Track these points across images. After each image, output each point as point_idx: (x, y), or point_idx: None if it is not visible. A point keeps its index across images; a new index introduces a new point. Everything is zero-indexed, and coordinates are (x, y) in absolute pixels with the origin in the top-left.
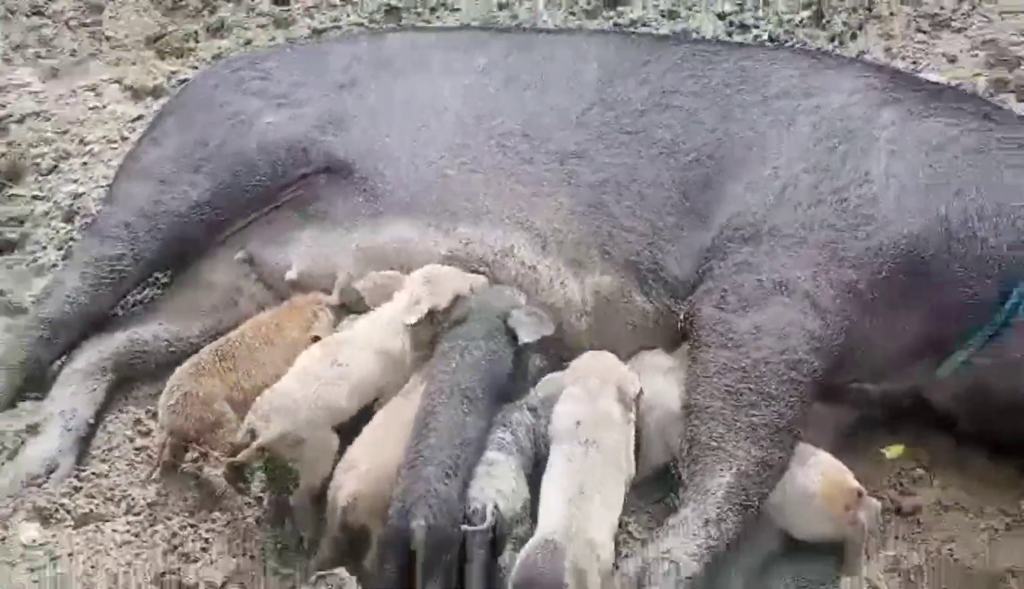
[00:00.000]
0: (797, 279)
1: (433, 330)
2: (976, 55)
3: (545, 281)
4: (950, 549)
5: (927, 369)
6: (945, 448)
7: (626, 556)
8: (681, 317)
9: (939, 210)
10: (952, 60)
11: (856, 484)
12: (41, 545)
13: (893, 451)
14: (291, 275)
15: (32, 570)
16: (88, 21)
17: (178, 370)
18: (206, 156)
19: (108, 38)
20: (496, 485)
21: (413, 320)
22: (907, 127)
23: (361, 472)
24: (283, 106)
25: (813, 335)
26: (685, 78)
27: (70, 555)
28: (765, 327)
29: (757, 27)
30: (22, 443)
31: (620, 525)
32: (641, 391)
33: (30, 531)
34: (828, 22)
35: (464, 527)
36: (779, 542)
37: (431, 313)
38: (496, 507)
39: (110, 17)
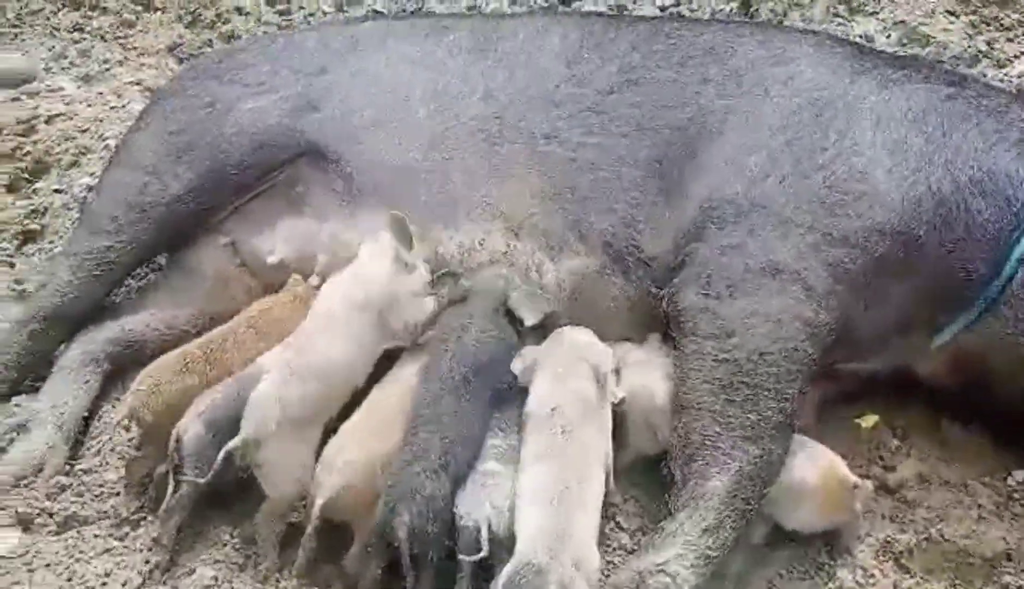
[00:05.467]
0: (787, 261)
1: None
2: (890, 35)
3: (520, 267)
4: (939, 529)
5: (917, 344)
6: (920, 417)
7: (613, 563)
8: (664, 303)
9: (930, 182)
10: (870, 40)
11: (854, 478)
12: (20, 556)
13: (868, 421)
14: (272, 260)
15: None
16: (120, 35)
17: (162, 358)
18: (186, 145)
19: (135, 48)
20: (492, 500)
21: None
22: (887, 95)
23: (340, 467)
24: (259, 93)
25: (807, 321)
26: (650, 54)
27: (47, 566)
28: (756, 314)
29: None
30: (11, 441)
31: (607, 514)
32: (618, 371)
33: (10, 539)
34: (755, 11)
35: (461, 557)
36: (768, 532)
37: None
38: (489, 527)
39: (139, 31)
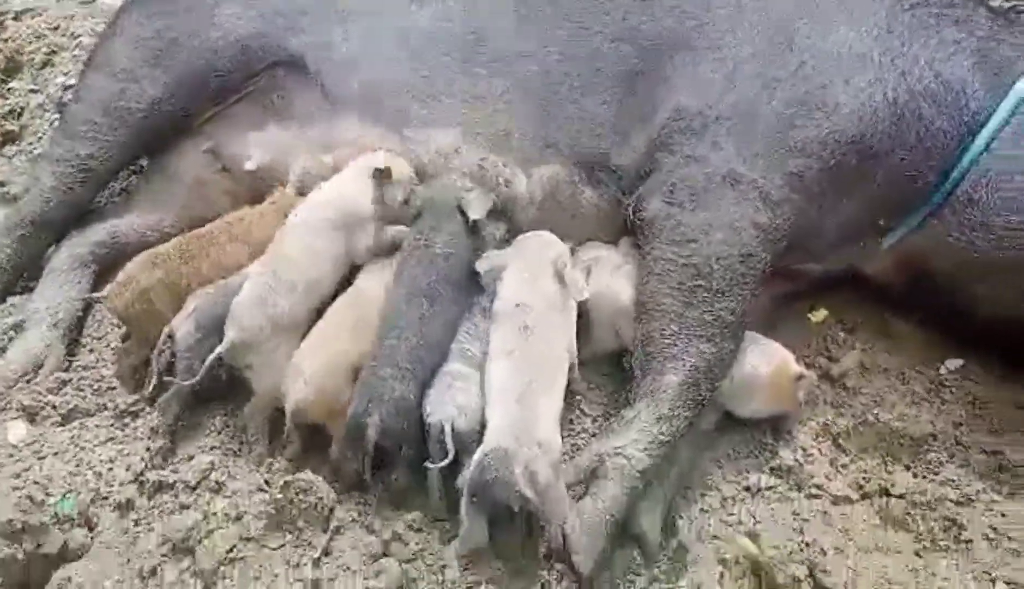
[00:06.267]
0: (746, 171)
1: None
2: None
3: (491, 177)
4: (875, 413)
5: (866, 247)
6: (867, 311)
7: (578, 446)
8: (629, 211)
9: (886, 92)
10: None
11: (799, 368)
12: (28, 445)
13: (818, 315)
14: (250, 166)
15: (16, 476)
16: None
17: (138, 256)
18: (164, 49)
19: None
20: (457, 400)
21: (380, 163)
22: (851, 7)
23: (306, 377)
24: None
25: (763, 228)
26: None
27: (55, 454)
28: (716, 222)
29: None
30: (9, 340)
31: (572, 402)
32: (589, 271)
33: (18, 430)
34: None
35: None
36: (718, 419)
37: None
38: (453, 426)
39: None
